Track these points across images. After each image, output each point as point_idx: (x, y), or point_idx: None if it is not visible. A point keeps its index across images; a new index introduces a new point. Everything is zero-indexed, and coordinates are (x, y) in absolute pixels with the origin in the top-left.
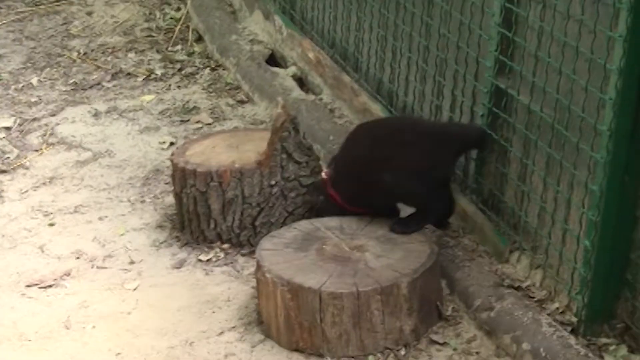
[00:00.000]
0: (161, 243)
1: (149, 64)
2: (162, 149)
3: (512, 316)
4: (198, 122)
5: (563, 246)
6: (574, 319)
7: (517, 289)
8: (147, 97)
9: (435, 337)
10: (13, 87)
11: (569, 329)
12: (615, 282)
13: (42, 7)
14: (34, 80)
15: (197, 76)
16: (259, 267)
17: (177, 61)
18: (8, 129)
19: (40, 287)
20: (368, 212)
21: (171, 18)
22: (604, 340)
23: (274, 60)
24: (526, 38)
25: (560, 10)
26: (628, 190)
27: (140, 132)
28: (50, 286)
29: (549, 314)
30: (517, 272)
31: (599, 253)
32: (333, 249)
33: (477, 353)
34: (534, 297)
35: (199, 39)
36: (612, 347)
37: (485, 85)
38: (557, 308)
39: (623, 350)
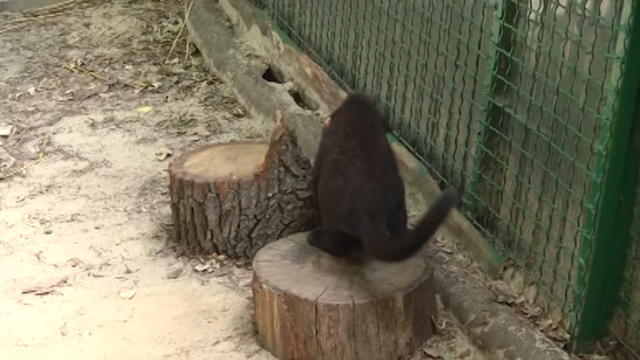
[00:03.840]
0: (157, 253)
1: (146, 76)
2: (159, 160)
3: (505, 331)
4: (195, 134)
5: (557, 263)
6: (567, 336)
7: (511, 304)
8: (144, 109)
9: (429, 351)
10: (10, 96)
11: (562, 345)
12: (608, 299)
13: (39, 17)
14: (31, 90)
15: (194, 89)
16: (255, 277)
17: (174, 74)
18: (5, 137)
19: (36, 294)
20: None
21: (169, 31)
22: (596, 357)
23: (270, 75)
24: (524, 58)
25: (558, 32)
26: (623, 210)
27: (137, 143)
28: (46, 293)
29: (542, 330)
30: (511, 288)
31: (593, 271)
32: (329, 262)
33: None
34: (527, 313)
35: (196, 52)
36: None
37: (483, 104)
38: (551, 324)
39: None
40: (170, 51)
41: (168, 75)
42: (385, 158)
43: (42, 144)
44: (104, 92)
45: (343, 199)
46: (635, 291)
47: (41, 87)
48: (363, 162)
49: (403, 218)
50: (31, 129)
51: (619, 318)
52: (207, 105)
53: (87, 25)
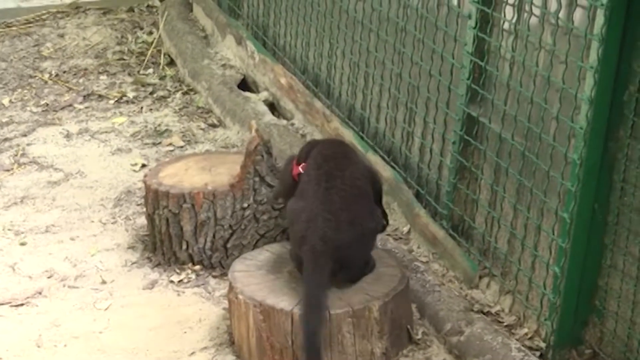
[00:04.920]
0: (133, 264)
1: (120, 87)
2: (134, 170)
3: (481, 341)
4: (170, 144)
5: (532, 272)
6: (543, 344)
7: (487, 314)
8: (119, 119)
9: None
10: None
11: (538, 354)
12: (583, 308)
13: (13, 28)
14: (5, 101)
15: (169, 99)
16: (231, 288)
17: (149, 84)
18: None
19: (11, 306)
20: None
21: (143, 42)
22: None
23: (245, 85)
24: (498, 67)
25: (532, 41)
26: (597, 218)
27: (112, 153)
28: (21, 305)
29: (518, 339)
30: (487, 297)
31: (568, 279)
32: None
33: None
34: (503, 322)
35: (171, 62)
36: None
37: (457, 113)
38: (526, 333)
39: None
40: (145, 61)
41: (143, 85)
42: (350, 190)
43: (16, 155)
44: (79, 103)
45: (298, 224)
46: (610, 299)
47: (15, 98)
48: (323, 192)
49: (360, 255)
50: (5, 140)
51: (595, 326)
52: (182, 116)
53: (61, 36)
